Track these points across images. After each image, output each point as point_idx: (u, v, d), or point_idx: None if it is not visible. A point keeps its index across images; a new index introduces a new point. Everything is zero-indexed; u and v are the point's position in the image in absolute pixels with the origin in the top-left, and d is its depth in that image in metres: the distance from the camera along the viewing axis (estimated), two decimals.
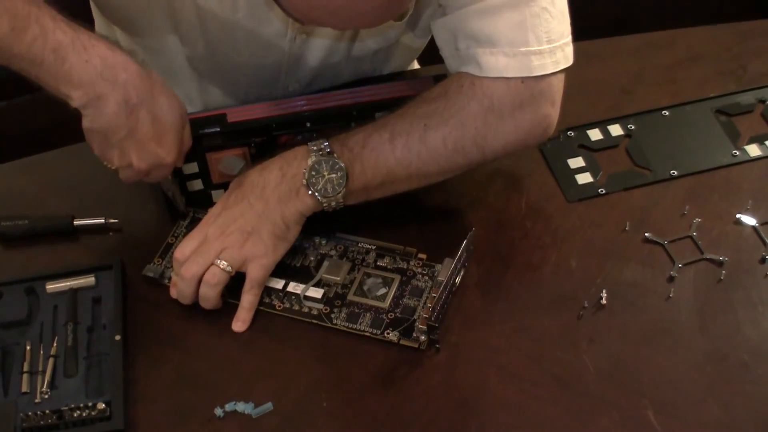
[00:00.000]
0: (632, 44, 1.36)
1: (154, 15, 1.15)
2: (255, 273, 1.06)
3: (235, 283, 1.06)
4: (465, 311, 1.05)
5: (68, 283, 1.08)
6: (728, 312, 1.04)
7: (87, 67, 0.97)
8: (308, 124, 1.14)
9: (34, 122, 1.17)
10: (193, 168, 1.14)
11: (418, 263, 1.09)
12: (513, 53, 1.05)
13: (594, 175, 1.18)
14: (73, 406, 0.97)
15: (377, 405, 0.99)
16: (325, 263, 1.10)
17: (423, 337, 1.02)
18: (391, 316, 1.05)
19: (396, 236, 1.12)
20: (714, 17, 1.40)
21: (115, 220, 1.15)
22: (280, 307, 1.06)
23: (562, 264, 1.09)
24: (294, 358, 1.03)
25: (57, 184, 1.21)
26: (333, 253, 1.11)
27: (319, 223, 1.11)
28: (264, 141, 1.13)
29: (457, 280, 1.06)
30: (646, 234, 1.11)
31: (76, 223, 1.14)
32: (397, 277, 1.08)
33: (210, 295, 1.05)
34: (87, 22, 1.22)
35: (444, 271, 1.06)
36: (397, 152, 1.07)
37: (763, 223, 1.12)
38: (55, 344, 1.03)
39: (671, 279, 1.07)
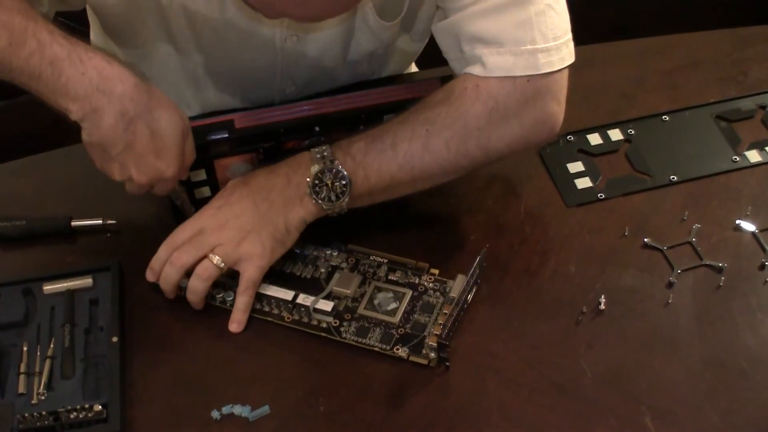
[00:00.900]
0: (632, 49, 1.36)
1: (145, 20, 1.15)
2: (250, 273, 1.05)
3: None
4: (463, 317, 1.05)
5: (65, 285, 1.07)
6: (727, 318, 1.04)
7: (83, 79, 0.97)
8: (317, 128, 1.13)
9: (32, 123, 1.17)
10: (200, 175, 1.13)
11: (430, 278, 1.09)
12: (520, 52, 1.05)
13: (593, 180, 1.18)
14: (69, 407, 0.97)
15: (374, 410, 0.98)
16: (336, 275, 1.09)
17: (433, 354, 1.01)
18: (401, 331, 1.04)
19: (401, 247, 1.12)
20: (714, 23, 1.40)
21: (113, 222, 1.15)
22: (289, 318, 1.06)
23: (560, 269, 1.09)
24: (292, 362, 1.03)
25: (54, 185, 1.21)
26: (344, 265, 1.10)
27: (330, 235, 1.12)
28: (272, 146, 1.13)
29: (469, 297, 1.05)
30: (646, 239, 1.11)
31: (73, 224, 1.14)
32: (409, 292, 1.07)
33: (199, 289, 1.05)
34: (84, 36, 1.23)
35: (456, 288, 1.05)
36: (400, 158, 1.07)
37: (762, 230, 1.11)
38: (52, 345, 1.03)
39: (670, 285, 1.07)
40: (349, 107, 1.15)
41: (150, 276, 1.07)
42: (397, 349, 1.02)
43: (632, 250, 1.11)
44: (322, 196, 1.05)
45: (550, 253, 1.11)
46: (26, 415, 0.96)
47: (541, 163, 1.20)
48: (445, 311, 1.04)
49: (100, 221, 1.14)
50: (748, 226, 1.12)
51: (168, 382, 1.01)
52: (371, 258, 1.11)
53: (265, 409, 0.98)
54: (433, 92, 1.10)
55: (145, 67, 1.21)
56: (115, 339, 1.02)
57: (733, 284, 1.07)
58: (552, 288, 1.08)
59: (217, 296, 1.07)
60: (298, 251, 1.11)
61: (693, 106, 1.26)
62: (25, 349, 1.03)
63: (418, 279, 1.08)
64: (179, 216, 1.13)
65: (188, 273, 1.05)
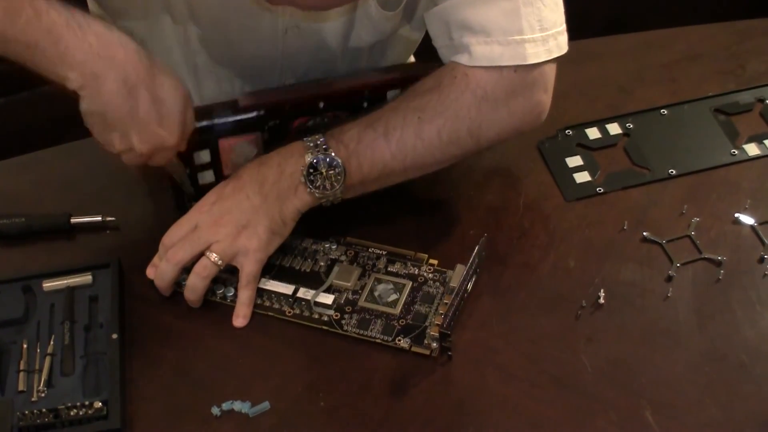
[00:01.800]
0: (631, 43, 1.36)
1: (148, 3, 1.15)
2: (249, 267, 1.05)
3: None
4: (462, 311, 1.05)
5: (65, 282, 1.08)
6: (726, 312, 1.04)
7: (83, 46, 0.96)
8: (321, 105, 1.13)
9: (31, 120, 1.17)
10: (205, 156, 1.13)
11: (430, 269, 1.09)
12: (507, 42, 1.05)
13: (592, 174, 1.18)
14: (69, 404, 0.97)
15: (374, 405, 0.98)
16: (336, 268, 1.09)
17: (435, 344, 1.01)
18: (402, 322, 1.04)
19: (399, 240, 1.12)
20: (713, 16, 1.40)
21: (113, 218, 1.15)
22: (290, 313, 1.06)
23: (560, 263, 1.09)
24: (291, 357, 1.03)
25: (54, 182, 1.21)
26: (343, 258, 1.10)
27: (328, 228, 1.12)
28: (277, 125, 1.13)
29: (469, 286, 1.06)
30: (645, 233, 1.11)
31: (73, 221, 1.14)
32: (409, 283, 1.07)
33: (198, 287, 1.05)
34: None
35: (456, 277, 1.05)
36: (393, 147, 1.07)
37: (761, 223, 1.11)
38: (52, 343, 1.03)
39: (669, 278, 1.07)
40: (352, 85, 1.16)
41: (150, 273, 1.08)
42: (399, 340, 1.02)
43: (631, 244, 1.11)
44: (317, 185, 1.05)
45: (550, 248, 1.11)
46: (26, 412, 0.97)
47: (539, 157, 1.20)
48: (445, 301, 1.04)
49: (100, 218, 1.14)
50: (747, 220, 1.12)
51: (168, 379, 1.02)
52: (370, 250, 1.11)
53: (265, 405, 0.98)
54: (421, 79, 1.10)
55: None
56: (114, 336, 1.02)
57: (733, 277, 1.07)
58: (551, 282, 1.08)
59: (218, 292, 1.07)
60: (296, 245, 1.11)
61: (691, 100, 1.26)
62: (25, 346, 1.03)
63: (417, 270, 1.09)
64: (180, 198, 1.13)
65: (188, 269, 1.06)
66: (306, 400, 0.99)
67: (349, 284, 1.07)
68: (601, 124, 1.24)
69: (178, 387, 1.01)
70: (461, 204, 1.16)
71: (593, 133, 1.23)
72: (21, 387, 0.99)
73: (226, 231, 1.05)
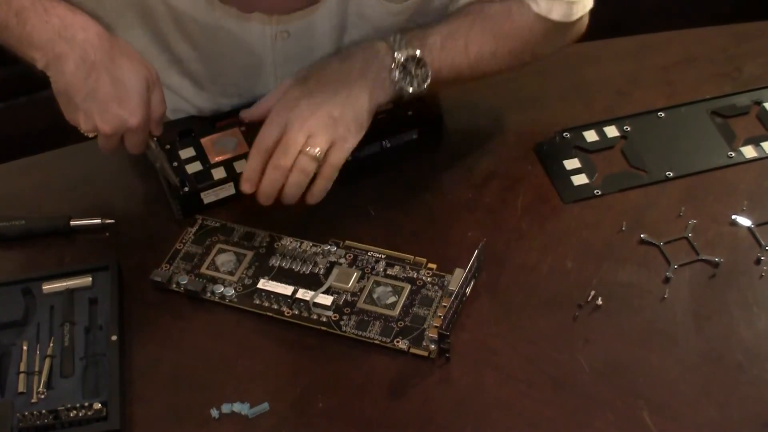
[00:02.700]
0: (628, 46, 1.37)
1: (126, 16, 1.15)
2: (337, 156, 1.09)
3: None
4: (461, 312, 1.05)
5: (65, 284, 1.08)
6: (723, 313, 1.04)
7: (46, 27, 1.00)
8: None
9: (31, 123, 1.18)
10: (189, 152, 1.17)
11: (428, 273, 1.09)
12: None
13: (590, 177, 1.19)
14: (69, 406, 0.97)
15: (373, 406, 0.99)
16: (335, 271, 1.09)
17: (433, 346, 1.02)
18: (400, 324, 1.04)
19: (399, 243, 1.12)
20: (709, 19, 1.40)
21: (112, 221, 1.15)
22: (288, 313, 1.06)
23: (557, 265, 1.10)
24: (290, 359, 1.03)
25: (53, 184, 1.21)
26: (343, 261, 1.10)
27: (328, 232, 1.13)
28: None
29: (468, 290, 1.06)
30: (642, 235, 1.11)
31: (72, 223, 1.15)
32: (407, 286, 1.08)
33: (303, 182, 1.08)
34: None
35: (455, 281, 1.06)
36: (471, 59, 1.15)
37: (758, 224, 1.12)
38: (51, 344, 1.03)
39: (667, 280, 1.08)
40: None
41: (247, 187, 1.10)
42: (398, 342, 1.03)
43: (629, 246, 1.11)
44: (407, 82, 1.11)
45: (547, 249, 1.11)
46: (26, 413, 0.97)
47: (537, 159, 1.21)
48: (444, 304, 1.05)
49: (99, 221, 1.15)
50: (744, 221, 1.12)
51: (167, 380, 1.02)
52: (369, 254, 1.11)
53: (264, 407, 0.99)
54: (488, 5, 1.16)
55: None
56: (114, 338, 1.03)
57: (730, 279, 1.07)
58: (549, 284, 1.08)
59: (217, 292, 1.07)
60: (296, 247, 1.12)
61: (688, 103, 1.26)
62: (24, 348, 1.03)
63: (416, 273, 1.09)
64: (173, 190, 1.15)
65: (189, 271, 1.06)
66: (305, 401, 0.99)
67: (348, 286, 1.08)
68: (598, 126, 1.24)
69: (178, 388, 1.01)
70: (459, 206, 1.16)
71: (591, 135, 1.23)
72: (21, 388, 1.00)
73: (320, 124, 1.08)
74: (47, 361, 1.01)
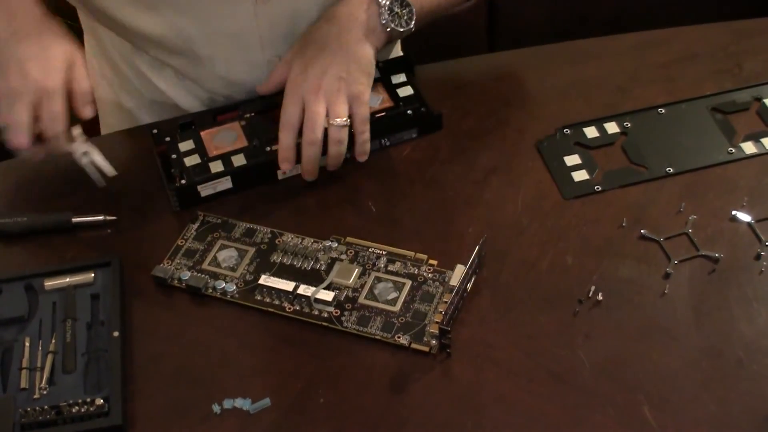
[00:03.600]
0: (628, 43, 1.37)
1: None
2: (360, 111, 1.15)
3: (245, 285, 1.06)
4: (461, 308, 1.05)
5: (67, 280, 1.08)
6: (723, 308, 1.05)
7: None
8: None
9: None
10: (189, 145, 1.19)
11: (429, 269, 1.09)
12: None
13: (590, 173, 1.19)
14: (71, 401, 0.98)
15: (374, 401, 0.99)
16: (336, 267, 1.10)
17: (434, 341, 1.02)
18: (402, 320, 1.05)
19: (399, 240, 1.12)
20: (710, 16, 1.40)
21: (113, 217, 1.15)
22: (290, 309, 1.06)
23: (558, 261, 1.10)
24: (291, 354, 1.03)
25: (56, 181, 1.21)
26: (344, 257, 1.11)
27: (329, 228, 1.13)
28: (254, 115, 1.22)
29: (468, 286, 1.06)
30: (642, 231, 1.12)
31: (74, 220, 1.15)
32: (408, 282, 1.08)
33: (343, 149, 1.15)
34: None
35: (456, 277, 1.06)
36: None
37: (758, 220, 1.12)
38: (53, 340, 1.03)
39: (667, 276, 1.08)
40: None
41: (287, 166, 1.16)
42: (399, 337, 1.03)
43: (629, 242, 1.11)
44: (395, 23, 1.18)
45: (548, 245, 1.11)
46: (28, 409, 0.97)
47: (538, 156, 1.21)
48: (445, 300, 1.05)
49: (101, 217, 1.15)
50: (744, 217, 1.13)
51: (169, 376, 1.02)
52: (370, 250, 1.11)
53: (265, 402, 0.99)
54: None
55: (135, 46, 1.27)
56: (116, 333, 1.03)
57: (730, 274, 1.08)
58: (549, 279, 1.08)
59: (218, 288, 1.08)
60: (297, 244, 1.12)
61: (689, 99, 1.27)
62: (26, 344, 1.03)
63: (417, 270, 1.09)
64: (175, 188, 1.16)
65: (192, 268, 1.06)
66: (306, 396, 0.99)
67: (349, 282, 1.08)
68: (599, 123, 1.25)
69: (179, 383, 1.01)
70: (460, 202, 1.17)
71: (591, 132, 1.24)
72: (23, 384, 1.00)
73: (332, 89, 1.13)
74: (49, 357, 1.02)
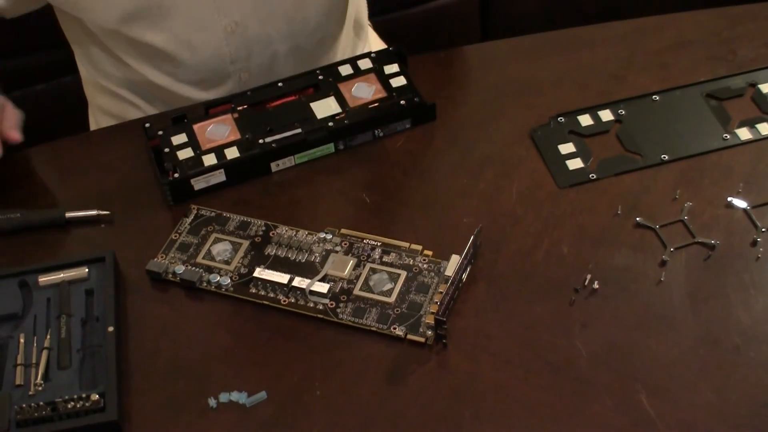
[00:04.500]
0: (622, 30, 1.36)
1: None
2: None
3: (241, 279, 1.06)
4: (457, 299, 1.05)
5: (61, 276, 1.08)
6: (720, 295, 1.04)
7: None
8: (279, 84, 1.24)
9: (26, 117, 1.18)
10: (181, 138, 1.19)
11: (424, 260, 1.09)
12: None
13: (585, 161, 1.19)
14: (67, 398, 0.97)
15: (370, 393, 0.99)
16: (331, 258, 1.09)
17: (430, 332, 1.02)
18: (397, 311, 1.05)
19: (394, 231, 1.12)
20: (703, 2, 1.40)
21: (107, 212, 1.15)
22: (285, 302, 1.06)
23: (553, 250, 1.10)
24: (287, 347, 1.03)
25: (49, 177, 1.21)
26: (338, 249, 1.10)
27: (323, 220, 1.13)
28: (246, 109, 1.22)
29: (464, 276, 1.06)
30: (638, 219, 1.11)
31: (68, 215, 1.15)
32: (403, 273, 1.08)
33: None
34: None
35: (451, 267, 1.06)
36: None
37: (754, 206, 1.12)
38: (48, 337, 1.03)
39: (663, 263, 1.07)
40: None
41: None
42: (394, 329, 1.03)
43: (625, 230, 1.11)
44: None
45: (543, 234, 1.11)
46: (24, 406, 0.97)
47: (532, 145, 1.21)
48: (440, 290, 1.05)
49: (95, 212, 1.15)
50: (740, 203, 1.12)
51: (164, 371, 1.02)
52: (365, 241, 1.11)
53: (262, 395, 0.99)
54: None
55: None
56: (111, 329, 1.03)
57: (726, 261, 1.07)
58: (545, 269, 1.08)
59: (213, 281, 1.07)
60: (291, 236, 1.12)
61: (683, 86, 1.26)
62: (21, 340, 1.03)
63: (412, 260, 1.09)
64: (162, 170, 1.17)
65: (187, 263, 1.06)
66: (302, 389, 0.99)
67: (344, 274, 1.08)
68: (593, 111, 1.24)
69: (175, 378, 1.01)
70: (454, 192, 1.16)
71: (585, 120, 1.23)
72: (18, 381, 1.00)
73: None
74: (44, 354, 1.02)
